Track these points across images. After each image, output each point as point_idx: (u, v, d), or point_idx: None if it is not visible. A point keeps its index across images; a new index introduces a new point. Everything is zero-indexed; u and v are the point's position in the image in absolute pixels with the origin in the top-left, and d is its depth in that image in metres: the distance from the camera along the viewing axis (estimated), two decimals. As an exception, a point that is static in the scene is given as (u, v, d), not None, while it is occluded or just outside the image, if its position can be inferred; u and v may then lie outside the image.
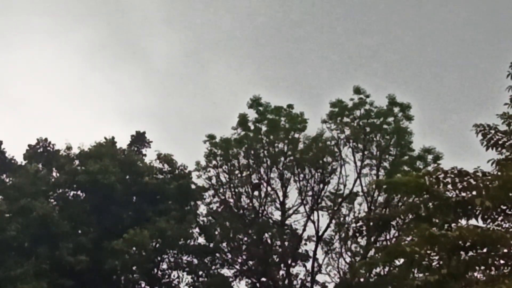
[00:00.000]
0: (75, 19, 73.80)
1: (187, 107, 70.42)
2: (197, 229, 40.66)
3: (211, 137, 39.98)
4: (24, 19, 71.08)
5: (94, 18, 74.59)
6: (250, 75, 67.15)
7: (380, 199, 37.74)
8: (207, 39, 70.70)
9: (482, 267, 16.04)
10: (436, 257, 16.39)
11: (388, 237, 34.34)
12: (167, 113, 71.21)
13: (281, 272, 39.58)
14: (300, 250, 39.73)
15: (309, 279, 39.14)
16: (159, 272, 40.32)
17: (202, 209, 41.20)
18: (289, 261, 39.24)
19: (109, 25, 75.26)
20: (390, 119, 38.63)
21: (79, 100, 72.67)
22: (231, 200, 40.00)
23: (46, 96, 72.10)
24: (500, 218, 16.83)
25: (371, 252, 34.54)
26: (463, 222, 16.75)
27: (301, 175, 39.11)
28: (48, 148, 42.46)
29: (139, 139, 43.57)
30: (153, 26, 72.55)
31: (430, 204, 16.93)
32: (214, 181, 40.10)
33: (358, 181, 38.38)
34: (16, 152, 43.14)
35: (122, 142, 43.26)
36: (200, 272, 40.20)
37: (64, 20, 72.51)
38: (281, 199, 39.68)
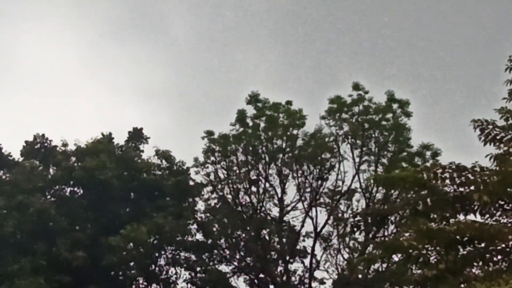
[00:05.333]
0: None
1: (203, 86, 69.39)
2: (195, 226, 40.53)
3: (209, 133, 39.88)
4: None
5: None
6: (261, 62, 66.75)
7: (379, 195, 37.70)
8: (228, 19, 69.75)
9: (480, 262, 15.97)
10: (434, 252, 16.30)
11: (386, 233, 34.30)
12: (182, 92, 70.65)
13: (279, 269, 39.51)
14: (298, 247, 39.64)
15: (307, 275, 39.04)
16: (157, 268, 40.18)
17: (200, 205, 41.14)
18: (287, 258, 39.15)
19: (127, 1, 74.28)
20: (389, 116, 38.59)
21: (92, 77, 71.54)
22: (229, 197, 39.92)
23: (59, 72, 70.94)
24: (498, 213, 16.77)
25: (369, 248, 34.51)
26: (461, 217, 16.69)
27: (300, 172, 39.05)
28: (45, 144, 42.38)
29: (137, 135, 43.43)
30: (174, 4, 71.74)
31: (428, 199, 16.85)
32: (212, 177, 40.03)
33: (356, 178, 38.39)
34: (13, 148, 43.13)
35: (120, 138, 43.26)
36: (198, 269, 40.08)
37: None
38: (279, 195, 39.62)
